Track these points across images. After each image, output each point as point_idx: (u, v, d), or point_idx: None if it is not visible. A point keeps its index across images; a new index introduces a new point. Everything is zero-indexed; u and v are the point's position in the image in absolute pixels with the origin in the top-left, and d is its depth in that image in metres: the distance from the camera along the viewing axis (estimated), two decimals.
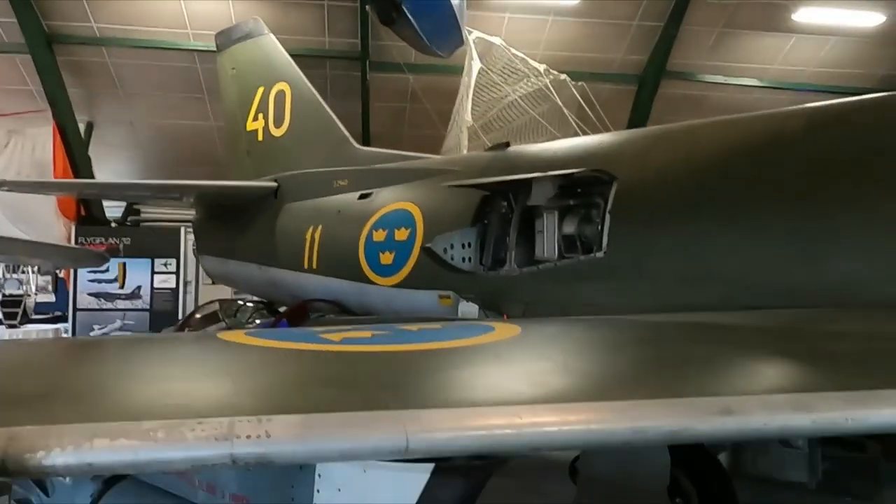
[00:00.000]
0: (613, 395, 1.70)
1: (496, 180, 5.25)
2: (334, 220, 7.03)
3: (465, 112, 11.92)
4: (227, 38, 10.26)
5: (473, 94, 13.06)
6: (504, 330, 2.36)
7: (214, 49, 10.51)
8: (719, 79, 17.09)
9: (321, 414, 1.54)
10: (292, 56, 9.77)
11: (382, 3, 8.98)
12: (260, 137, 9.72)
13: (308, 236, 7.20)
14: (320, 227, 7.11)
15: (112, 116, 16.63)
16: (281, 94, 9.52)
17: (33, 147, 15.87)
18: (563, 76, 13.62)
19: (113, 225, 17.13)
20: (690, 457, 4.13)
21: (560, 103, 13.44)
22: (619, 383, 1.94)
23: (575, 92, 13.68)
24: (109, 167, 17.57)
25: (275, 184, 8.35)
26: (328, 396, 1.70)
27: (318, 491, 2.09)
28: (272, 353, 2.23)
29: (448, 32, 9.91)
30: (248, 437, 1.43)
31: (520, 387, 1.84)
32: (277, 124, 9.52)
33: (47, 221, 14.42)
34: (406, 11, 8.69)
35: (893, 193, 3.64)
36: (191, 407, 1.63)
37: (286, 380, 2.04)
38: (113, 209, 18.21)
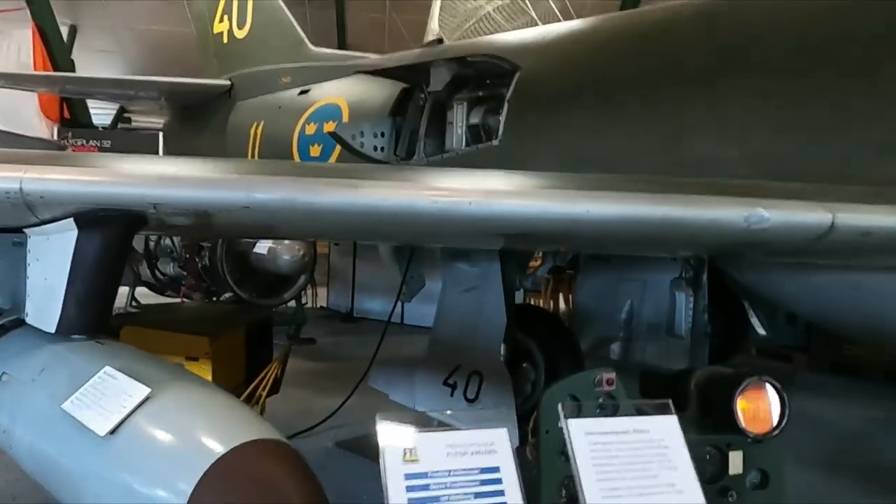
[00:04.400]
0: None
1: (397, 66, 5.44)
2: (275, 115, 7.25)
3: (432, 21, 11.82)
4: None
5: (450, 7, 12.89)
6: None
7: None
8: None
9: None
10: None
11: None
12: (225, 40, 9.83)
13: (252, 131, 7.45)
14: (262, 123, 7.35)
15: (94, 20, 16.58)
16: None
17: (19, 49, 15.91)
18: None
19: (100, 129, 17.34)
20: (539, 324, 4.47)
21: (535, 17, 13.28)
22: None
23: (552, 5, 13.46)
24: (94, 73, 17.61)
25: (228, 82, 8.53)
26: None
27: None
28: None
29: None
30: None
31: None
32: (240, 26, 9.62)
33: (29, 121, 14.62)
34: None
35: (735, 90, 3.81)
36: None
37: None
38: (101, 115, 18.39)
